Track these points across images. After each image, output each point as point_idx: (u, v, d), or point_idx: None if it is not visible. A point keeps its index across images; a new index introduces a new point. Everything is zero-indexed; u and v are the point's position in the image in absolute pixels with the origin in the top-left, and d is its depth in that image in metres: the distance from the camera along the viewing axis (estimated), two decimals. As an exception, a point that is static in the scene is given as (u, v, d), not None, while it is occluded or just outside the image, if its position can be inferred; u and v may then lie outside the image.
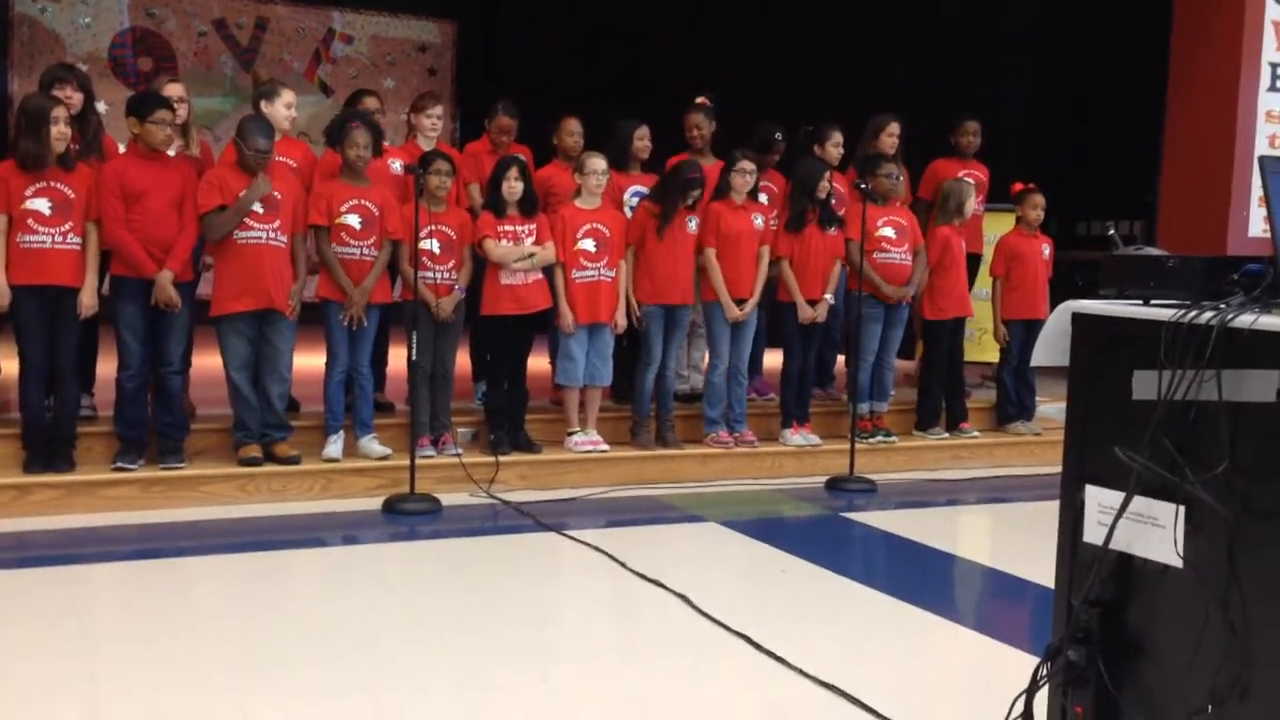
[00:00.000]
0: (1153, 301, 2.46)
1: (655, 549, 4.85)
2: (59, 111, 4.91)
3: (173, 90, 5.60)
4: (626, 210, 6.29)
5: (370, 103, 6.12)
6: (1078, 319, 2.54)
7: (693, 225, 6.20)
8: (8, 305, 4.94)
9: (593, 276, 5.97)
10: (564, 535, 4.96)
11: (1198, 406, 2.25)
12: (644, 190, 6.31)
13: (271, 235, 5.32)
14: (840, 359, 7.33)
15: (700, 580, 4.28)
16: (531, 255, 5.80)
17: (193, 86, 6.03)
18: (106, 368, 5.56)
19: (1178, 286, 2.41)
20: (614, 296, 6.04)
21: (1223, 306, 2.24)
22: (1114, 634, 2.43)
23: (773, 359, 7.08)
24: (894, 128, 6.94)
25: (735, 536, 5.13)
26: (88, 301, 5.03)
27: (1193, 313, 2.26)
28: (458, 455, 5.73)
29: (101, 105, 5.68)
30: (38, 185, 4.93)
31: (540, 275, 5.91)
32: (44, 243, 4.94)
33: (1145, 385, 2.34)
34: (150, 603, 4.00)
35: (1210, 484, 2.22)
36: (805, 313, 6.38)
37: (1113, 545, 2.39)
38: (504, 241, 5.80)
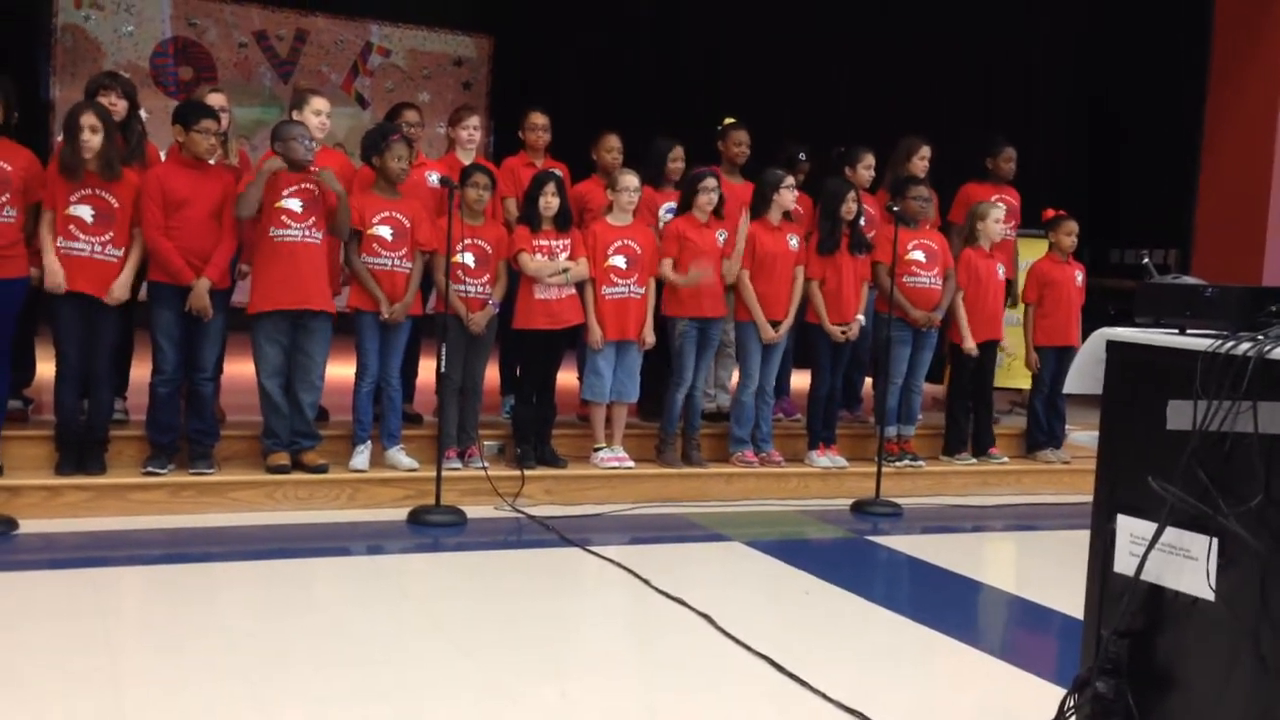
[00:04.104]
0: (1189, 331, 2.45)
1: (678, 567, 4.84)
2: (86, 119, 4.95)
3: (215, 100, 5.65)
4: (660, 228, 6.30)
5: (410, 116, 6.17)
6: (1112, 347, 2.53)
7: (721, 238, 6.20)
8: (63, 283, 4.96)
9: (622, 293, 5.98)
10: (587, 551, 4.96)
11: (1233, 438, 2.23)
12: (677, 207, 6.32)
13: (308, 234, 5.36)
14: (868, 381, 7.31)
15: (723, 600, 4.27)
16: (565, 270, 5.82)
17: (232, 97, 6.10)
18: (140, 372, 5.61)
19: (1214, 316, 2.40)
20: (643, 313, 6.05)
21: (1260, 338, 2.22)
22: (1143, 666, 2.41)
23: (800, 380, 7.07)
24: (925, 151, 6.93)
25: (759, 557, 5.11)
26: (118, 293, 5.06)
27: (1230, 343, 2.24)
28: (484, 468, 5.75)
29: (141, 113, 5.74)
30: (82, 192, 5.00)
31: (573, 290, 5.93)
32: (83, 251, 5.00)
33: (1180, 415, 2.33)
34: (176, 607, 4.02)
35: (1244, 517, 2.20)
36: (836, 334, 6.37)
37: (1144, 576, 2.37)
38: (538, 256, 5.83)
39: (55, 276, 4.96)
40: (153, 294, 5.24)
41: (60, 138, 5.10)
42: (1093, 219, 7.94)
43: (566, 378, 6.41)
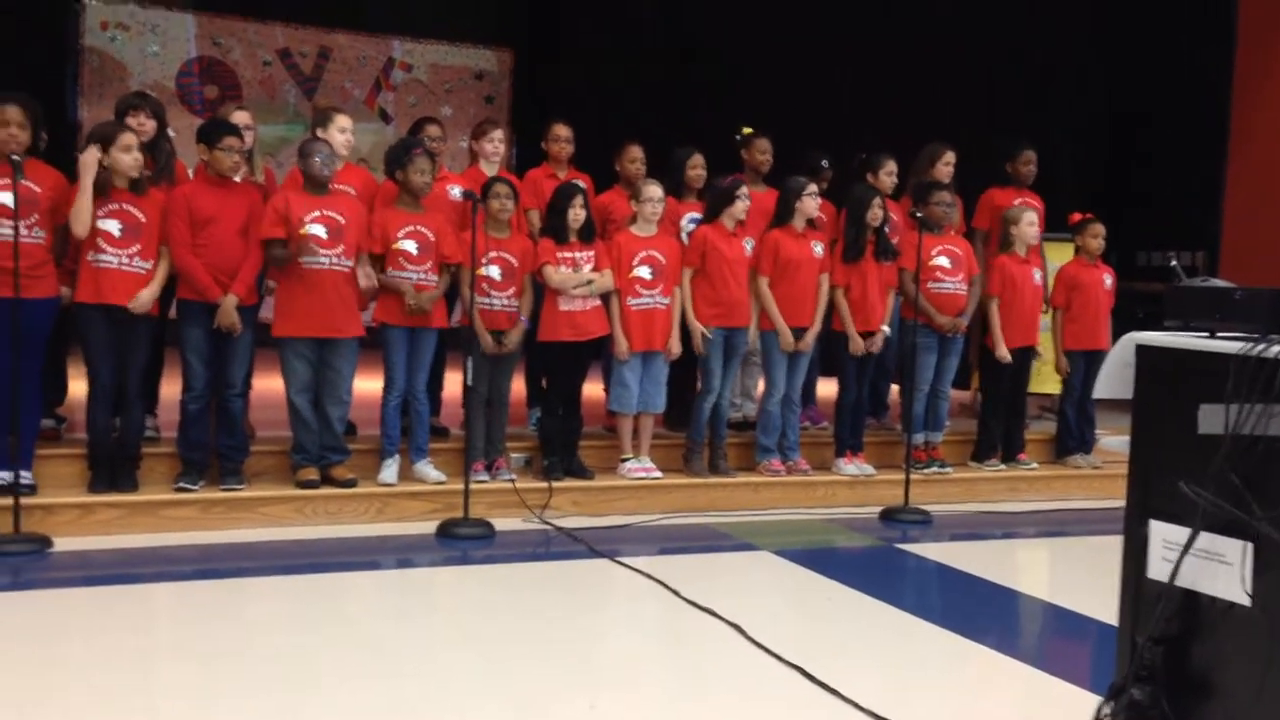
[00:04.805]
0: (1219, 334, 2.43)
1: (708, 577, 4.83)
2: (128, 139, 5.03)
3: (239, 118, 5.71)
4: (683, 237, 6.31)
5: (432, 130, 6.19)
6: (1142, 351, 2.52)
7: (749, 247, 6.21)
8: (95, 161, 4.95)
9: (648, 304, 5.99)
10: (616, 562, 4.96)
11: (1266, 441, 2.22)
12: (699, 217, 6.33)
13: (335, 261, 5.40)
14: (894, 389, 7.28)
15: (753, 609, 4.26)
16: (590, 282, 5.83)
17: (257, 114, 6.15)
18: (170, 390, 5.66)
19: (1244, 319, 2.39)
20: (669, 324, 6.05)
21: (1292, 340, 2.21)
22: (1179, 672, 2.39)
23: (826, 387, 7.05)
24: (949, 156, 6.91)
25: (788, 566, 5.10)
26: (144, 299, 5.08)
27: (1261, 345, 2.23)
28: (511, 481, 5.76)
29: (170, 132, 5.80)
30: (110, 207, 5.05)
31: (598, 302, 5.94)
32: (111, 263, 5.05)
33: (1212, 419, 2.31)
34: (208, 622, 4.04)
35: (1278, 520, 2.18)
36: (856, 345, 6.35)
37: (1178, 582, 2.35)
38: (563, 268, 5.84)
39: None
40: (182, 312, 5.29)
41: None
42: (1118, 221, 7.88)
43: (593, 389, 6.42)
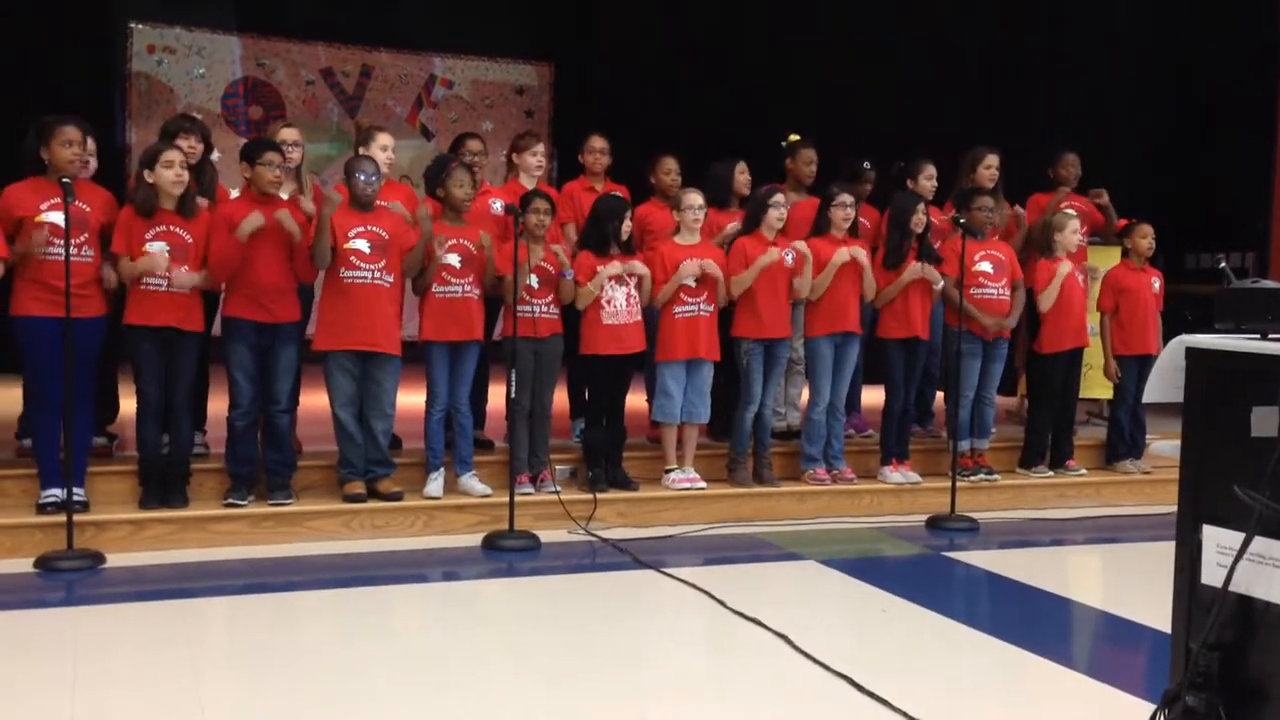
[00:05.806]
0: (1271, 336, 2.40)
1: (754, 587, 4.82)
2: (171, 155, 5.10)
3: (287, 135, 5.78)
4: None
5: (473, 145, 6.22)
6: (1192, 354, 2.49)
7: (789, 259, 6.19)
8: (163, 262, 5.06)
9: (692, 311, 5.99)
10: (662, 573, 4.95)
11: (1321, 443, 2.18)
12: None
13: (378, 275, 5.44)
14: (939, 396, 7.22)
15: (800, 619, 4.24)
16: (627, 270, 5.83)
17: (301, 133, 6.21)
18: (217, 406, 5.73)
19: (1297, 320, 2.35)
20: (713, 333, 6.04)
21: (1346, 340, 2.17)
22: (1235, 679, 2.35)
23: (870, 395, 7.01)
24: (992, 160, 6.83)
25: (835, 575, 5.07)
26: (184, 278, 5.12)
27: (1314, 346, 2.19)
28: (556, 493, 5.77)
29: (214, 154, 5.88)
30: (157, 229, 5.12)
31: (639, 318, 5.95)
32: (160, 285, 5.12)
33: (1265, 421, 2.28)
34: (257, 635, 4.09)
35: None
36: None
37: (1232, 587, 2.32)
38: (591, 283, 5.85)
39: (151, 262, 5.04)
40: (227, 329, 5.35)
41: (135, 179, 5.22)
42: (1166, 224, 7.78)
43: (637, 399, 6.42)
